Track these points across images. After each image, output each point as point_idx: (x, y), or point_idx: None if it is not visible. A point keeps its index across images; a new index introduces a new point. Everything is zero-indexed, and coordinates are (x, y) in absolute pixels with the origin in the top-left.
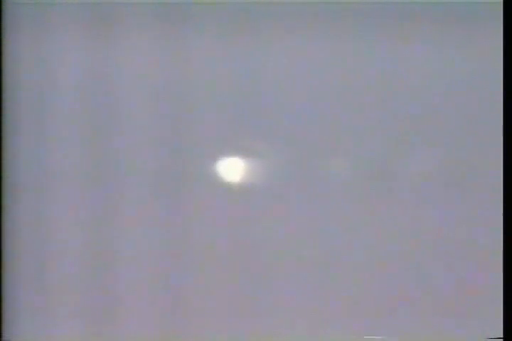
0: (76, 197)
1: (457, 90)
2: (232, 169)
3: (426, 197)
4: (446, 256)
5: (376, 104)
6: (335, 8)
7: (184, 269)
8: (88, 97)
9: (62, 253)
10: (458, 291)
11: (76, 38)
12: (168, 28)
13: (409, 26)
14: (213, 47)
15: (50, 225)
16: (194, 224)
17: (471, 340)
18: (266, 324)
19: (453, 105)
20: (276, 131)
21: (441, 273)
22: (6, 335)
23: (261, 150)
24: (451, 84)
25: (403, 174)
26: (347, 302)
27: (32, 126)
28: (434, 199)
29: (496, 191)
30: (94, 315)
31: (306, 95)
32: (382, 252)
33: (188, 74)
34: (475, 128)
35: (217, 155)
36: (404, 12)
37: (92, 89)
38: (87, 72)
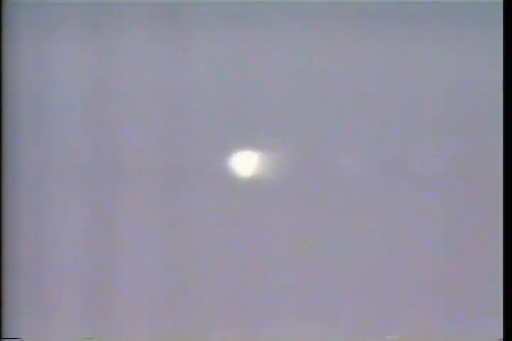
0: (78, 191)
1: (460, 88)
2: (240, 164)
3: (435, 192)
4: (449, 255)
5: (383, 100)
6: (335, 8)
7: (186, 268)
8: (88, 96)
9: (62, 253)
10: (459, 291)
11: (76, 38)
12: (168, 28)
13: (410, 26)
14: (216, 45)
15: (50, 225)
16: (199, 220)
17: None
18: (265, 323)
19: (456, 102)
20: (282, 126)
21: (445, 274)
22: (6, 335)
23: (269, 145)
24: (455, 82)
25: (412, 169)
26: (348, 302)
27: (32, 125)
28: (444, 195)
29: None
30: (94, 315)
31: (313, 91)
32: (386, 250)
33: (191, 71)
34: (480, 122)
35: (223, 150)
36: (404, 12)
37: (93, 88)
38: (87, 71)
